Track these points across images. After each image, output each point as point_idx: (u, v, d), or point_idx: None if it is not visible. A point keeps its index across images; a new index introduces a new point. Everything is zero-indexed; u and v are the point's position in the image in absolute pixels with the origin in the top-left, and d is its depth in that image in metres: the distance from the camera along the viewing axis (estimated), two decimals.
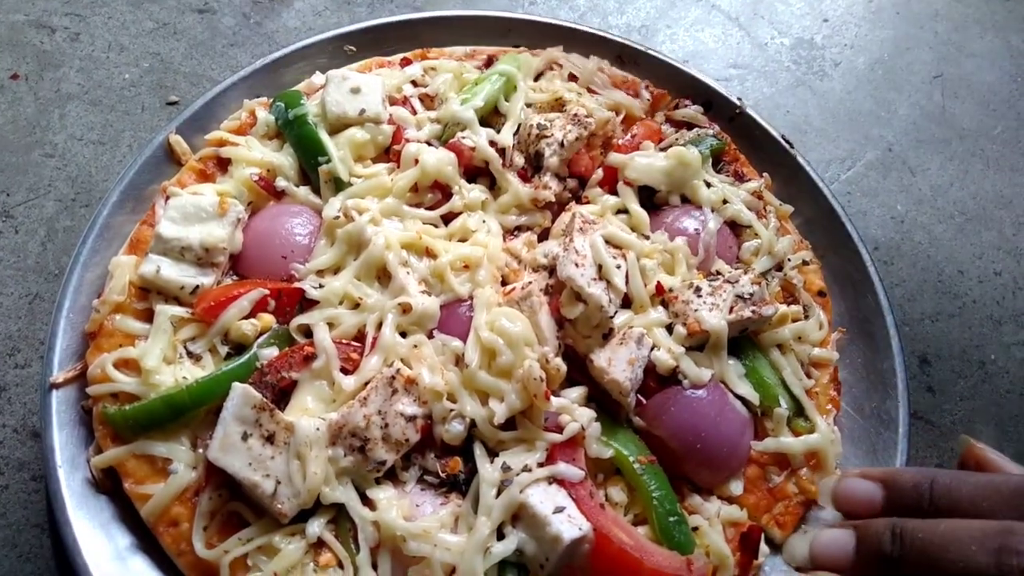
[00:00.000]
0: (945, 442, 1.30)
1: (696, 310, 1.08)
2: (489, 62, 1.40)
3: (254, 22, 1.68)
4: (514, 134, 1.27)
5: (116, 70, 1.57)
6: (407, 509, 0.98)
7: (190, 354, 1.06)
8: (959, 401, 1.34)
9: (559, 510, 0.95)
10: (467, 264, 1.14)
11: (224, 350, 1.07)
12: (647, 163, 1.24)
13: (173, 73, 1.57)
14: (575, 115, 1.26)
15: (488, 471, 0.99)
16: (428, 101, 1.33)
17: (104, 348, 1.05)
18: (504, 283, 1.17)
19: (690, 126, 1.37)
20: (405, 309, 1.08)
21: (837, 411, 1.16)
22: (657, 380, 1.08)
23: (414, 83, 1.34)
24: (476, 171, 1.26)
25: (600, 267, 1.07)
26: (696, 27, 1.76)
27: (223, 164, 1.23)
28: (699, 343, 1.09)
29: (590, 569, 0.95)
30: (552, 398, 1.02)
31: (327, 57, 1.40)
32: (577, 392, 1.09)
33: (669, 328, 1.10)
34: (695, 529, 1.02)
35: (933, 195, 1.56)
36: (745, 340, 1.14)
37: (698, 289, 1.10)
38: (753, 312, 1.09)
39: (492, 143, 1.24)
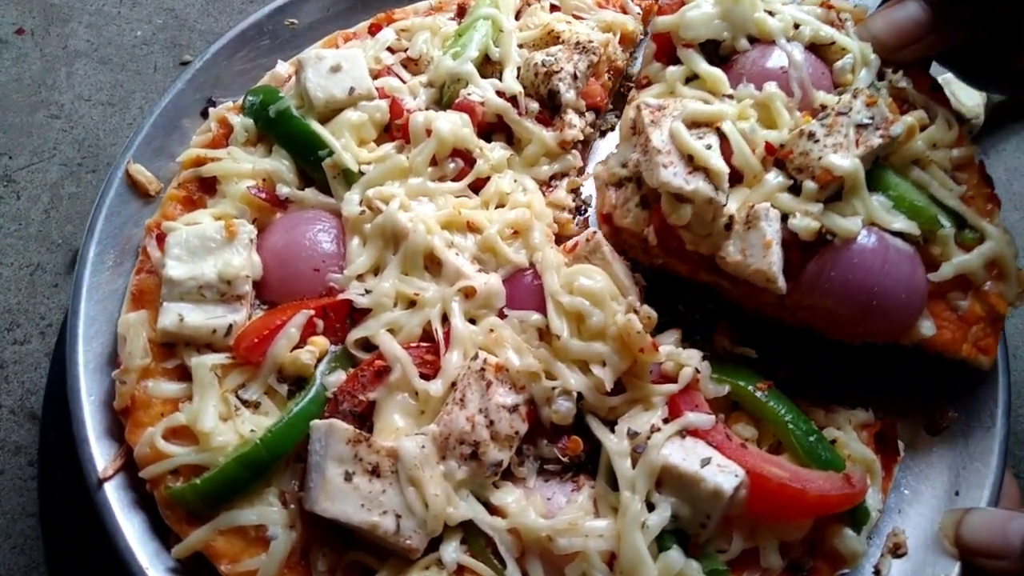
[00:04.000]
0: None
1: (820, 157, 0.93)
2: (461, 11, 1.26)
3: None
4: (516, 78, 1.15)
5: (127, 26, 1.47)
6: (541, 506, 0.89)
7: (245, 403, 0.92)
8: None
9: (706, 462, 0.87)
10: (516, 230, 1.03)
11: (283, 388, 0.93)
12: (699, 14, 1.07)
13: (188, 31, 1.47)
14: (578, 43, 1.15)
15: (613, 442, 0.90)
16: (412, 65, 1.19)
17: (144, 422, 0.90)
18: (557, 240, 1.07)
19: None
20: (468, 294, 0.97)
21: (997, 207, 1.03)
22: (800, 250, 0.94)
23: (391, 50, 1.20)
24: (489, 128, 1.14)
25: (691, 157, 0.93)
26: None
27: (207, 185, 1.07)
28: (834, 192, 0.96)
29: (747, 513, 0.89)
30: (660, 348, 0.94)
31: (269, 39, 1.24)
32: (674, 335, 1.01)
33: (794, 189, 0.96)
34: (833, 442, 0.97)
35: (1008, 178, 1.45)
36: (877, 170, 0.99)
37: (812, 134, 0.96)
38: (882, 137, 0.96)
39: (499, 93, 1.12)
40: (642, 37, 1.28)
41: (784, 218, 0.93)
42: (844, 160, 0.93)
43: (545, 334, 0.97)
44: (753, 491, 0.87)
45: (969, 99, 1.34)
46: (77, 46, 1.45)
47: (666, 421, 0.92)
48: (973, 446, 1.00)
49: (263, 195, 1.04)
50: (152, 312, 0.96)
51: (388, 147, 1.09)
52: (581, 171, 1.16)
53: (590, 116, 1.18)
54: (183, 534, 0.86)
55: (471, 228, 1.03)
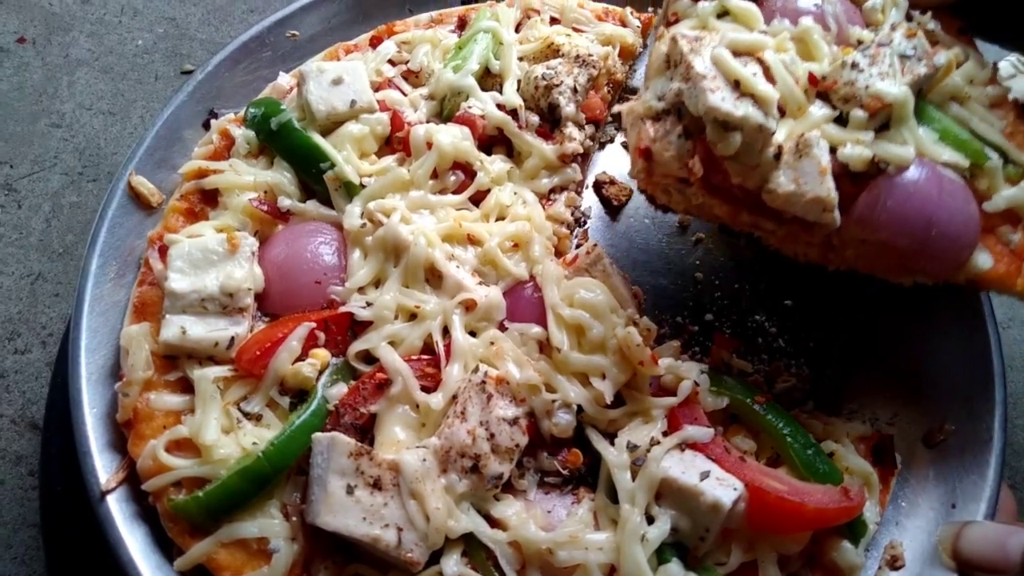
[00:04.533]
0: None
1: (867, 86, 0.90)
2: (461, 23, 1.27)
3: None
4: (516, 91, 1.16)
5: (129, 35, 1.48)
6: (541, 518, 0.89)
7: (247, 415, 0.92)
8: None
9: (705, 475, 0.87)
10: (516, 243, 1.05)
11: (285, 401, 0.94)
12: None
13: (189, 40, 1.49)
14: (578, 56, 1.16)
15: (613, 455, 0.91)
16: (413, 78, 1.20)
17: (147, 435, 0.90)
18: (557, 253, 1.08)
19: None
20: (468, 306, 0.98)
21: None
22: (852, 181, 0.91)
23: (391, 62, 1.21)
24: (490, 141, 1.14)
25: (737, 82, 0.89)
26: None
27: (209, 197, 1.08)
28: (882, 122, 0.92)
29: (746, 527, 0.89)
30: (660, 361, 0.95)
31: (270, 50, 1.24)
32: (672, 347, 1.02)
33: (839, 122, 0.92)
34: (830, 455, 0.97)
35: None
36: (919, 104, 0.95)
37: (855, 64, 0.92)
38: (927, 67, 0.93)
39: (500, 106, 1.13)
40: (641, 50, 1.29)
41: (832, 150, 0.89)
42: (893, 87, 0.90)
43: (545, 347, 0.98)
44: (752, 504, 0.88)
45: None
46: (78, 55, 1.45)
47: (665, 434, 0.92)
48: (970, 459, 1.00)
49: (265, 207, 1.05)
50: (154, 324, 0.96)
51: (389, 160, 1.09)
52: (580, 184, 1.17)
53: (590, 129, 1.19)
54: (185, 547, 0.86)
55: (472, 241, 1.04)
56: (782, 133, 0.90)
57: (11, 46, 1.43)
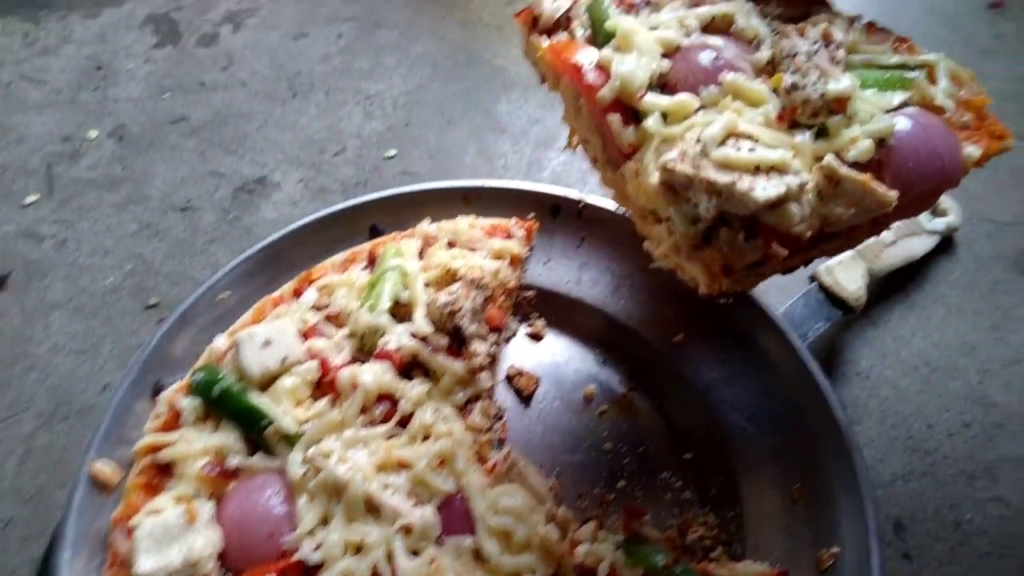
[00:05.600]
0: None
1: (822, 95, 0.96)
2: (372, 258, 1.47)
3: (233, 217, 1.76)
4: (425, 317, 1.35)
5: (100, 275, 1.59)
6: None
7: None
8: (938, 567, 1.29)
9: None
10: (442, 460, 1.19)
11: None
12: (629, 69, 1.04)
13: (154, 274, 1.61)
14: (472, 280, 1.36)
15: None
16: (335, 319, 1.38)
17: None
18: (480, 459, 1.23)
19: None
20: (408, 530, 1.11)
21: (909, 41, 1.10)
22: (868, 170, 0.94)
23: (316, 307, 1.39)
24: (407, 365, 1.32)
25: (756, 167, 0.93)
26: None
27: (164, 468, 1.20)
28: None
29: None
30: (577, 548, 1.09)
31: (205, 315, 1.41)
32: (589, 528, 1.16)
33: (822, 132, 0.97)
34: None
35: (897, 347, 1.56)
36: None
37: (794, 86, 0.98)
38: (839, 46, 1.02)
39: (413, 335, 1.31)
40: (528, 254, 1.51)
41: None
42: (839, 83, 0.96)
43: (479, 554, 1.11)
44: None
45: (851, 283, 1.49)
46: (54, 298, 1.56)
47: None
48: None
49: (216, 471, 1.18)
50: None
51: (322, 403, 1.24)
52: (492, 388, 1.34)
53: (493, 337, 1.37)
54: None
55: (402, 465, 1.18)
56: (801, 176, 0.94)
57: None
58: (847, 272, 1.51)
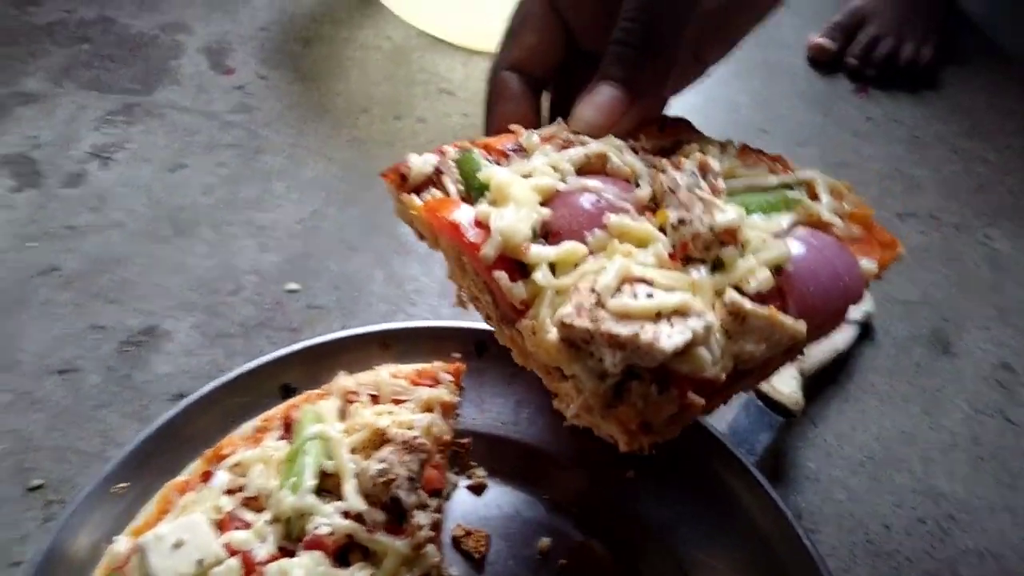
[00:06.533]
0: None
1: (710, 227, 0.90)
2: (287, 424, 1.33)
3: (121, 375, 1.54)
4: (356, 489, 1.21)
5: None
6: None
7: None
8: None
9: None
10: None
11: None
12: (511, 222, 0.94)
13: (34, 451, 1.39)
14: (405, 442, 1.24)
15: None
16: (254, 502, 1.22)
17: None
18: None
19: None
20: None
21: (783, 158, 1.09)
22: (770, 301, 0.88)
23: (229, 491, 1.22)
24: (343, 547, 1.17)
25: (657, 313, 0.84)
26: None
27: None
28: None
29: None
30: None
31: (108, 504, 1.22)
32: None
33: (716, 268, 0.91)
34: None
35: (839, 444, 1.52)
36: None
37: (681, 220, 0.92)
38: (717, 176, 0.99)
39: (346, 514, 1.17)
40: (459, 400, 1.41)
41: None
42: (726, 214, 0.91)
43: None
44: None
45: (785, 386, 1.48)
46: None
47: None
48: None
49: None
50: None
51: None
52: (441, 563, 1.21)
53: (434, 502, 1.25)
54: None
55: None
56: (709, 316, 0.87)
57: None
58: (779, 377, 1.50)
